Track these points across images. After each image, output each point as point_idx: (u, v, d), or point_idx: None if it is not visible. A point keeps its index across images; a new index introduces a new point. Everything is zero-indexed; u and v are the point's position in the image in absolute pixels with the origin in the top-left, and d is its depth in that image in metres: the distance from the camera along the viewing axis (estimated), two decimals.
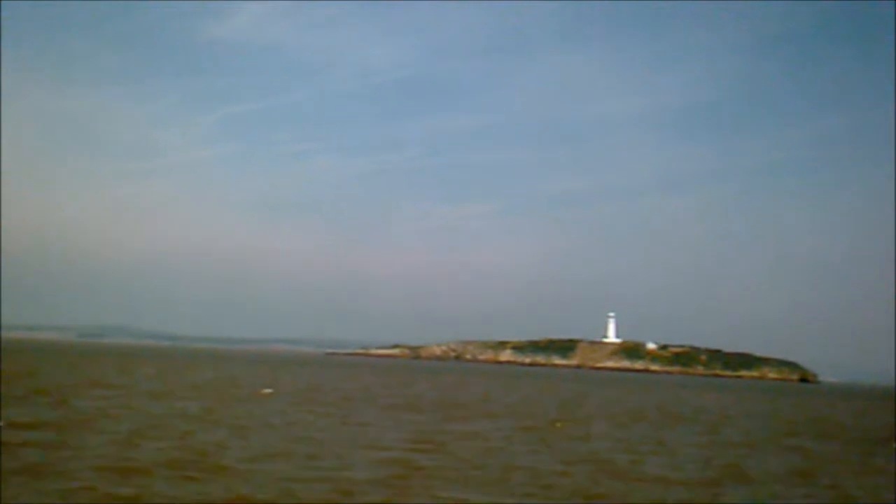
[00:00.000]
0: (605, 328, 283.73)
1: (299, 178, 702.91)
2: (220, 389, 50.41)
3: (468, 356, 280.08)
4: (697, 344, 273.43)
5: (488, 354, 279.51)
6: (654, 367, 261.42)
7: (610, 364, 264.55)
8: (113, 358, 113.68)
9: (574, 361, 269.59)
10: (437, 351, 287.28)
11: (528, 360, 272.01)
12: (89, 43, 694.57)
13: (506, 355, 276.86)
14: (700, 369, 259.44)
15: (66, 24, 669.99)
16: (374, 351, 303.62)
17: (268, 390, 50.60)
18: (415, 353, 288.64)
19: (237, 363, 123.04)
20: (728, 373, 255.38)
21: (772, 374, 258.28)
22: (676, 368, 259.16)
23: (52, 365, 74.07)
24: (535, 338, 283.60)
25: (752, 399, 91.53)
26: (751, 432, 39.91)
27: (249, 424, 29.00)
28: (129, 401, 36.54)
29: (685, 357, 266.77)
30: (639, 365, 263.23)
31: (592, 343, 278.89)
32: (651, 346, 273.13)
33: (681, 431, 37.73)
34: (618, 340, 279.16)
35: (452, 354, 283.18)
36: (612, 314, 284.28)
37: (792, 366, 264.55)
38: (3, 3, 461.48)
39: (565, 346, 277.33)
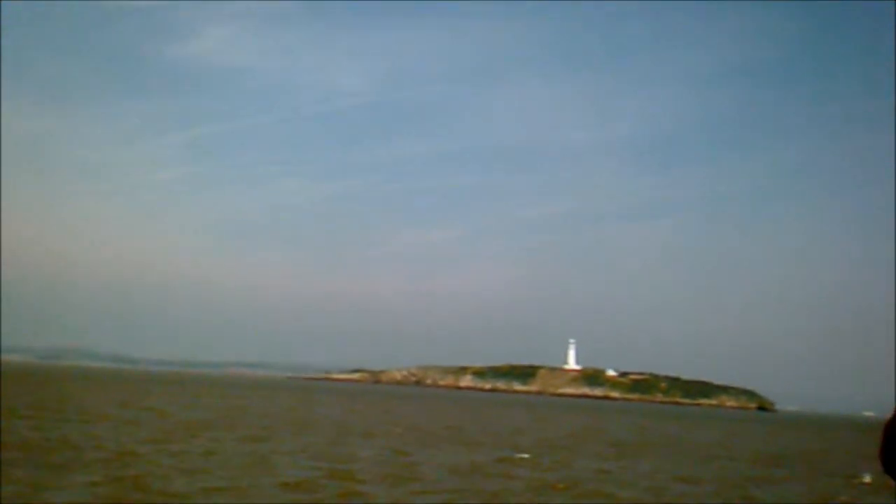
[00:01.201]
0: (566, 355, 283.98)
1: (263, 201, 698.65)
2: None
3: (428, 381, 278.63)
4: (657, 371, 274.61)
5: (448, 380, 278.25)
6: (614, 393, 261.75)
7: (570, 391, 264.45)
8: (90, 383, 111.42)
9: (534, 388, 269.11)
10: (398, 376, 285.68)
11: (488, 385, 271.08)
12: (51, 61, 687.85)
13: (466, 381, 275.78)
14: (659, 397, 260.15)
15: (25, 42, 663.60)
16: (334, 375, 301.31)
17: None
18: (375, 377, 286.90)
19: (211, 387, 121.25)
20: (687, 401, 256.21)
21: (730, 403, 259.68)
22: (636, 396, 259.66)
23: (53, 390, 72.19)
24: (496, 364, 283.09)
25: (717, 427, 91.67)
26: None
27: None
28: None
29: (645, 384, 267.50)
30: (598, 392, 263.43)
31: (553, 369, 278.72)
32: (611, 373, 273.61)
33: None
34: (578, 367, 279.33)
35: (413, 379, 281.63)
36: (572, 341, 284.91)
37: (750, 394, 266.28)
38: None
39: (526, 373, 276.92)
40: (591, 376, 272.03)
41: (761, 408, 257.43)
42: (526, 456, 33.54)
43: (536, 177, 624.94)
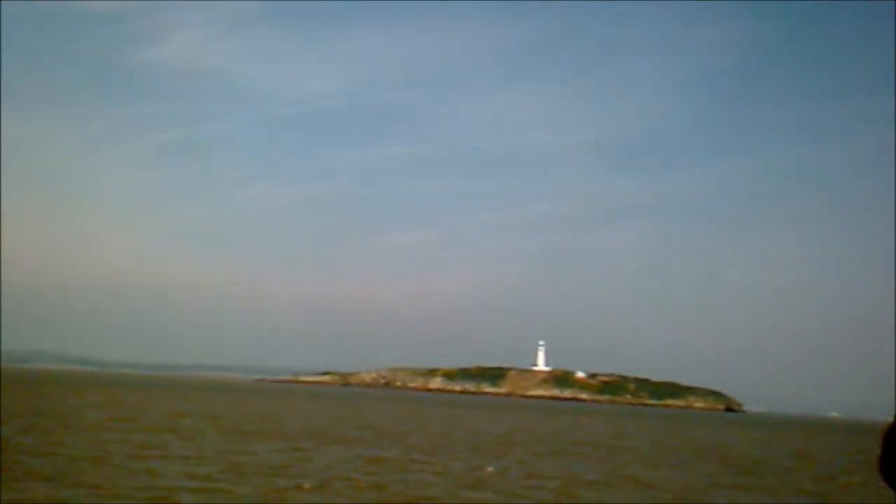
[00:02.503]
0: (535, 356, 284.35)
1: (233, 204, 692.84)
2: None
3: (398, 383, 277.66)
4: (626, 373, 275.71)
5: (418, 382, 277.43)
6: (583, 395, 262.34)
7: (539, 392, 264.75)
8: (65, 387, 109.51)
9: (504, 389, 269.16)
10: (367, 378, 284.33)
11: (458, 387, 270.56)
12: (17, 65, 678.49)
13: (436, 383, 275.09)
14: (628, 398, 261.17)
15: None
16: (303, 378, 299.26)
17: None
18: (344, 379, 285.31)
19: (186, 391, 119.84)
20: (655, 401, 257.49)
21: (698, 404, 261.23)
22: (605, 397, 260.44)
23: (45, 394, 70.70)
24: (466, 365, 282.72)
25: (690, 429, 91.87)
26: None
27: None
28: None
29: (613, 386, 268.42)
30: (568, 393, 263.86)
31: (522, 371, 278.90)
32: (580, 374, 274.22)
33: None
34: (547, 369, 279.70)
35: (382, 381, 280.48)
36: (542, 343, 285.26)
37: (717, 395, 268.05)
38: None
39: (495, 374, 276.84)
40: (561, 378, 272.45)
41: (729, 409, 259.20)
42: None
43: (508, 180, 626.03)
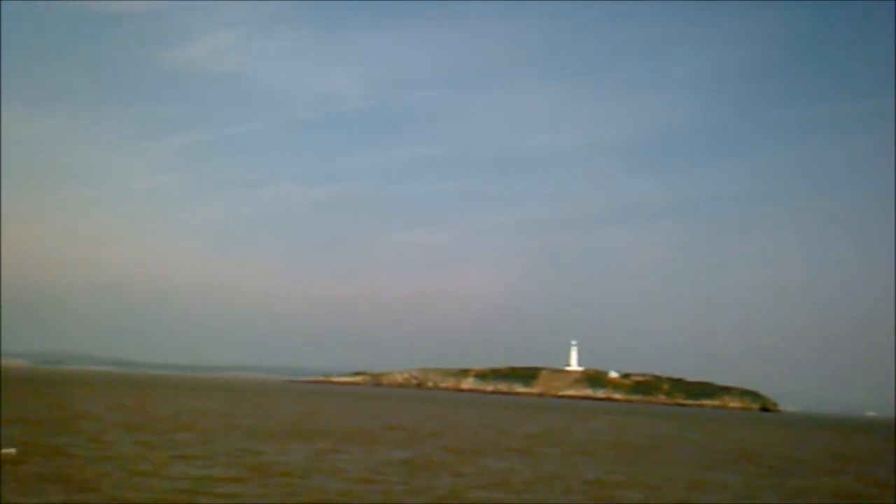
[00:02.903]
0: (568, 356, 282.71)
1: (257, 206, 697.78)
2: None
3: (430, 384, 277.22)
4: (659, 373, 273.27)
5: (450, 382, 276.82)
6: (617, 395, 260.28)
7: (572, 392, 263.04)
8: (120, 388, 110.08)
9: (536, 390, 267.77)
10: (399, 378, 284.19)
11: (490, 388, 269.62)
12: (42, 66, 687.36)
13: (468, 383, 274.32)
14: (662, 398, 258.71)
15: (18, 46, 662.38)
16: (335, 378, 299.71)
17: None
18: (376, 380, 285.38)
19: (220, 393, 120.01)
20: (690, 402, 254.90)
21: (733, 403, 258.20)
22: (638, 397, 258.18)
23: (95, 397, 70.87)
24: (497, 366, 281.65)
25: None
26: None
27: None
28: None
29: (647, 386, 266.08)
30: (601, 393, 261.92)
31: (555, 371, 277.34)
32: (613, 374, 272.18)
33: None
34: (580, 369, 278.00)
35: (414, 382, 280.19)
36: (574, 342, 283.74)
37: (753, 395, 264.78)
38: None
39: (527, 375, 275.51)
40: (594, 378, 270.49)
41: (764, 408, 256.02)
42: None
43: (536, 178, 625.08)
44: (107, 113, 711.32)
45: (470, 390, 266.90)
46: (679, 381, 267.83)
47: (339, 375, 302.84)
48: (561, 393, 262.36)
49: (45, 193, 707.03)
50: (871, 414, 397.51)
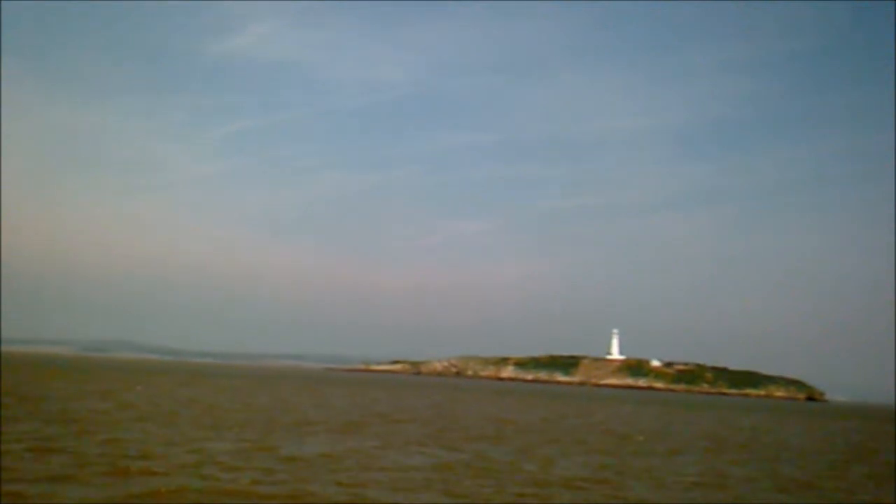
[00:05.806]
0: (609, 345, 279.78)
1: (303, 193, 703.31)
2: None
3: (469, 372, 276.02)
4: (703, 361, 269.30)
5: (490, 371, 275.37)
6: (658, 384, 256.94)
7: (613, 381, 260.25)
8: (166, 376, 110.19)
9: (577, 378, 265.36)
10: (438, 367, 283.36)
11: (530, 376, 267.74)
12: (95, 57, 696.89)
13: (507, 372, 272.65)
14: (705, 387, 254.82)
15: (72, 37, 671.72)
16: (374, 366, 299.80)
17: None
18: (416, 368, 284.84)
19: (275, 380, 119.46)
20: (733, 391, 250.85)
21: (778, 393, 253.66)
22: (681, 386, 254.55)
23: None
24: (537, 354, 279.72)
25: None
26: None
27: None
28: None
29: (690, 375, 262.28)
30: (642, 382, 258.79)
31: (596, 360, 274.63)
32: (655, 363, 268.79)
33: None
34: (621, 357, 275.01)
35: (453, 370, 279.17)
36: (615, 331, 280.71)
37: (799, 384, 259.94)
38: (2, 15, 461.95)
39: (568, 363, 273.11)
40: (635, 367, 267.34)
41: (810, 398, 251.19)
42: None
43: (577, 167, 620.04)
44: (153, 103, 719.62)
45: (509, 379, 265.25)
46: (723, 370, 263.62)
47: (378, 363, 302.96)
48: (602, 382, 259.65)
49: (94, 181, 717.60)
50: None
